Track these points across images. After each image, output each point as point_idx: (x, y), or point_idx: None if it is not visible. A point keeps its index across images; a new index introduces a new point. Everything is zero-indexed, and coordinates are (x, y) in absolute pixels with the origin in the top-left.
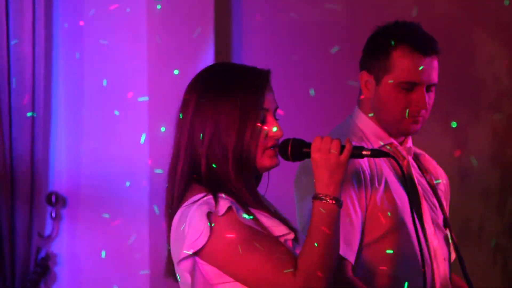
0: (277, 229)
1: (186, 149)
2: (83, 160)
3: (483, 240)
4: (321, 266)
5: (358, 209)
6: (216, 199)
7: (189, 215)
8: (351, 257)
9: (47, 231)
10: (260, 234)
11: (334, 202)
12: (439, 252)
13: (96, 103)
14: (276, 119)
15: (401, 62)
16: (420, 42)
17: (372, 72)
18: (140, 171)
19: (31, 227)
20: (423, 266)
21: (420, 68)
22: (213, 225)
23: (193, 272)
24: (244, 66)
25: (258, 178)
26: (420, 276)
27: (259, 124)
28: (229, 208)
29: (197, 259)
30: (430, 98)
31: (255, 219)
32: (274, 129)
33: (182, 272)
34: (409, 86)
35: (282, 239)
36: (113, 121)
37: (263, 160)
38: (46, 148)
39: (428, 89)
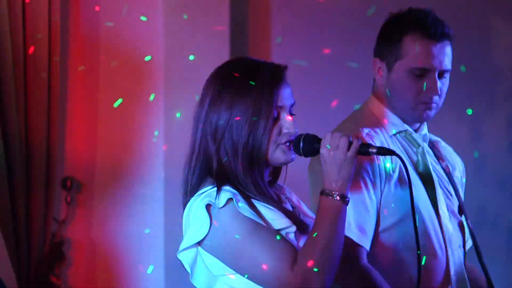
0: (279, 222)
1: (200, 142)
2: (99, 144)
3: (498, 228)
4: (321, 262)
5: (373, 196)
6: (219, 191)
7: (194, 206)
8: (367, 244)
9: (62, 216)
10: (259, 226)
11: (339, 198)
12: (454, 239)
13: (112, 87)
14: (293, 114)
15: (412, 48)
16: (431, 28)
17: (385, 59)
18: (155, 156)
19: (46, 211)
20: (418, 251)
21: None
22: (213, 217)
23: (193, 262)
24: (261, 62)
25: (277, 171)
26: (437, 261)
27: (271, 121)
28: (229, 200)
29: (200, 250)
30: (443, 84)
31: (256, 212)
32: (287, 126)
33: (182, 262)
34: (421, 72)
35: (283, 232)
36: (128, 106)
37: (277, 155)
38: (61, 133)
39: (440, 75)
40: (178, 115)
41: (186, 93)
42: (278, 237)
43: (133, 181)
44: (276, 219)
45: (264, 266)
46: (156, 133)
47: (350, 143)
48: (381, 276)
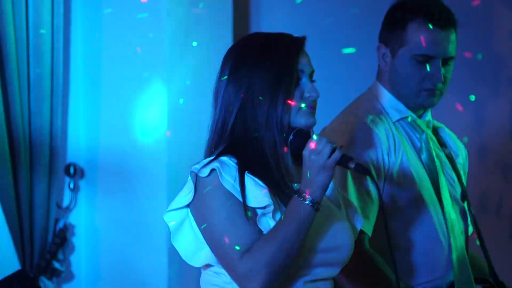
0: (257, 200)
1: (219, 115)
2: (102, 131)
3: (501, 215)
4: (271, 262)
5: (375, 182)
6: (212, 160)
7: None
8: (369, 230)
9: (66, 202)
10: (233, 203)
11: (310, 203)
12: (456, 225)
13: (115, 74)
14: (313, 81)
15: (416, 35)
16: (436, 15)
17: (389, 45)
18: (158, 142)
19: (50, 198)
20: (390, 248)
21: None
22: (197, 185)
23: (179, 225)
24: (280, 34)
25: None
26: (439, 247)
27: (293, 85)
28: (212, 171)
29: (190, 214)
30: (447, 71)
31: (241, 186)
32: (309, 89)
33: (166, 222)
34: (424, 59)
35: (259, 211)
36: (131, 92)
37: (298, 119)
38: (64, 119)
39: (444, 62)
40: (181, 101)
41: (189, 80)
42: (247, 220)
43: (136, 167)
44: (257, 196)
45: (221, 243)
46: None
47: (334, 151)
48: (384, 262)
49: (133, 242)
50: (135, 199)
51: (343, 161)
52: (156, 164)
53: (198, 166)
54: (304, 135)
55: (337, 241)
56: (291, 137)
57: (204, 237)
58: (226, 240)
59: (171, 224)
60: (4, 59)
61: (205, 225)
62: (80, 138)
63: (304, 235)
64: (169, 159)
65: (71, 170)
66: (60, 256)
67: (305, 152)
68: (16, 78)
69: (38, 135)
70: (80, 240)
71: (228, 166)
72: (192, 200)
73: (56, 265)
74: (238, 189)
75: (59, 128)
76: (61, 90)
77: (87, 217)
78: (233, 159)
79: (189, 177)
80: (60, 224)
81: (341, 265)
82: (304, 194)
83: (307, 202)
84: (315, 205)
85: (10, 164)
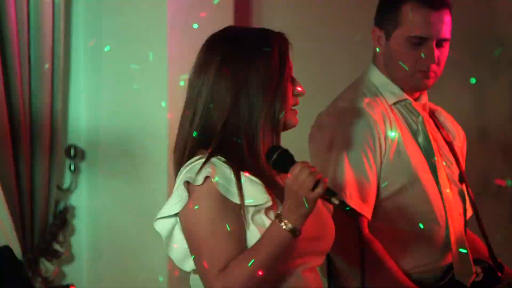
0: (256, 197)
1: (202, 112)
2: (102, 113)
3: (501, 197)
4: (246, 282)
5: (373, 165)
6: (204, 164)
7: (180, 177)
8: (368, 213)
9: (66, 184)
10: (224, 216)
11: (289, 230)
12: (454, 207)
13: (115, 56)
14: None
15: (410, 16)
16: None
17: (383, 27)
18: (159, 124)
19: (50, 179)
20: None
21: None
22: (190, 193)
23: (170, 234)
24: (264, 28)
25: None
26: (437, 229)
27: (290, 82)
28: (207, 178)
29: (178, 220)
30: (442, 53)
31: (238, 186)
32: (298, 87)
33: (159, 231)
34: (418, 41)
35: (252, 209)
36: (132, 74)
37: (290, 116)
38: (65, 101)
39: (439, 44)
40: (182, 83)
41: (190, 62)
42: (234, 235)
43: (137, 149)
44: (254, 195)
45: (201, 258)
46: (163, 103)
47: (317, 183)
48: (382, 247)
49: (134, 224)
50: (135, 181)
51: (327, 196)
52: (156, 146)
53: (191, 175)
54: (288, 157)
55: (323, 230)
56: (274, 156)
57: (188, 245)
58: (205, 255)
59: (162, 234)
60: (4, 40)
61: (190, 235)
62: (80, 120)
63: (279, 257)
64: (170, 141)
65: (72, 152)
66: (61, 238)
67: (288, 181)
68: (16, 58)
69: (38, 116)
70: (80, 222)
71: (220, 168)
72: (183, 208)
73: (57, 247)
74: (234, 191)
75: (59, 109)
76: (62, 71)
77: (88, 199)
78: (222, 159)
79: (178, 182)
80: (61, 206)
81: (326, 254)
82: (284, 220)
83: (287, 229)
84: (296, 232)
85: (11, 146)
